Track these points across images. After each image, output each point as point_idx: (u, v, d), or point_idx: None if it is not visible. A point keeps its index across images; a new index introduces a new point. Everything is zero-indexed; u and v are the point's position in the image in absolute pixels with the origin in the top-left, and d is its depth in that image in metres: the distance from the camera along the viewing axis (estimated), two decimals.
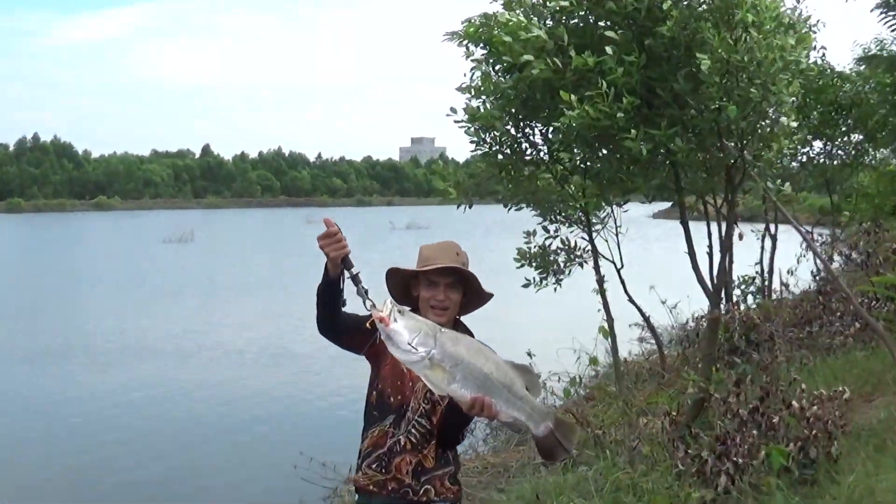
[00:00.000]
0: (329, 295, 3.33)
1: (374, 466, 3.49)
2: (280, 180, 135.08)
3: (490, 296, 3.62)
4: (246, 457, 9.59)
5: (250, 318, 19.57)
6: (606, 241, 8.71)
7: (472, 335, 3.52)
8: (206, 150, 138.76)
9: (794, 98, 6.04)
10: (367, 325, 3.16)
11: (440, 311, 3.49)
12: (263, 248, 41.41)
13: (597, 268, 8.32)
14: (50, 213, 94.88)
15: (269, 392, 12.55)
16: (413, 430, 3.47)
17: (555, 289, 8.51)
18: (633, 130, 5.79)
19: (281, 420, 11.15)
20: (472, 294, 3.60)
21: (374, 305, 3.12)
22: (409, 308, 3.21)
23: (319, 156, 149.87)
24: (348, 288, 3.33)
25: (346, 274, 3.31)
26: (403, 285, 3.64)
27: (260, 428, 10.75)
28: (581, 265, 8.57)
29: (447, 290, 3.51)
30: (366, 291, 3.25)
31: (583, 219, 8.46)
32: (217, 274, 29.08)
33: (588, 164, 7.29)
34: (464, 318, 3.67)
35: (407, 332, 3.04)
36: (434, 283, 3.51)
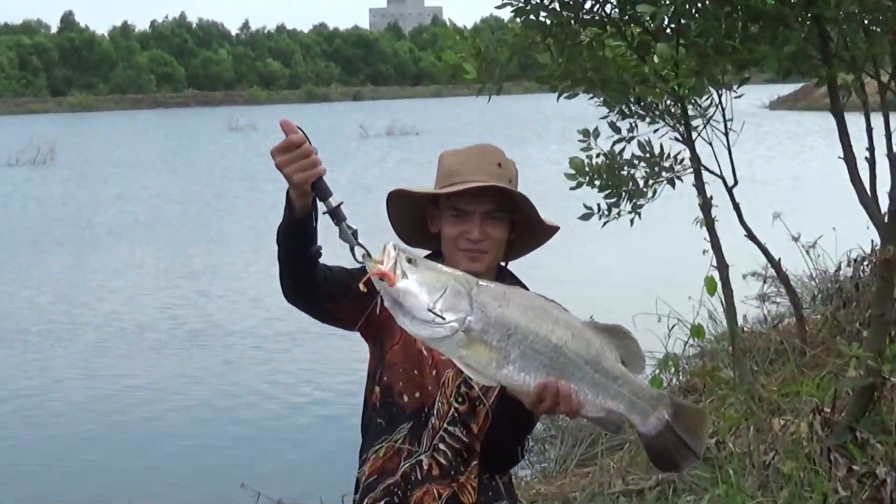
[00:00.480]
0: (296, 241, 3.37)
1: None
2: (185, 66, 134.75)
3: (553, 230, 3.64)
4: (154, 491, 9.67)
5: (152, 278, 19.75)
6: (710, 143, 8.68)
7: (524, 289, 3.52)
8: (67, 20, 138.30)
9: None
10: (360, 285, 3.19)
11: (476, 256, 3.52)
12: (163, 171, 41.51)
13: (700, 184, 8.29)
14: None
15: (189, 389, 12.68)
16: (441, 447, 3.51)
17: (631, 220, 8.50)
18: None
19: (211, 432, 11.26)
20: (523, 229, 3.62)
21: (367, 254, 3.14)
22: (424, 254, 3.25)
23: (246, 26, 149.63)
24: (326, 228, 3.34)
25: (321, 207, 3.32)
26: (414, 219, 3.67)
27: (177, 444, 10.85)
28: (672, 182, 8.53)
29: (486, 222, 3.52)
30: (354, 234, 3.28)
31: (674, 110, 8.41)
32: (95, 212, 29.24)
33: (683, 22, 7.21)
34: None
35: (424, 292, 3.07)
36: (465, 212, 3.52)
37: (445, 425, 3.50)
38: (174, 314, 16.50)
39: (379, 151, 44.95)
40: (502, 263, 3.66)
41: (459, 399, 3.49)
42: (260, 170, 36.98)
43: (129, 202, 31.33)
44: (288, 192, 3.30)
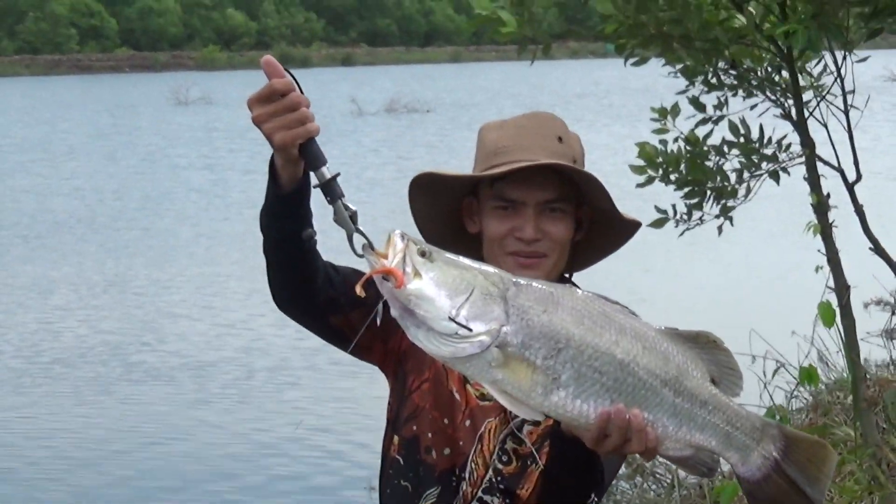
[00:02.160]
0: (283, 224, 3.36)
1: None
2: (118, 17, 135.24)
3: (633, 226, 3.65)
4: None
5: (79, 296, 19.86)
6: (826, 125, 8.68)
7: None
8: None
9: None
10: (358, 288, 3.11)
11: (530, 263, 3.51)
12: (90, 157, 41.64)
13: (814, 179, 8.27)
14: None
15: (133, 437, 12.95)
16: None
17: (719, 228, 8.48)
18: None
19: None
20: (593, 227, 3.63)
21: (369, 244, 3.11)
22: (432, 247, 3.14)
23: None
24: (323, 208, 3.33)
25: (314, 178, 3.31)
26: (447, 215, 3.69)
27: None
28: (775, 176, 8.52)
29: (543, 216, 3.52)
30: (353, 216, 3.25)
31: (780, 79, 8.40)
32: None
33: None
34: None
35: (444, 296, 3.03)
36: (515, 203, 3.52)
37: (480, 493, 3.50)
38: (108, 341, 16.68)
39: (377, 134, 45.02)
40: (566, 274, 3.66)
41: (504, 458, 3.48)
42: (220, 156, 37.13)
43: (46, 198, 31.43)
44: (272, 158, 3.29)
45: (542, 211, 3.49)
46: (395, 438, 3.56)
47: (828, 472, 3.31)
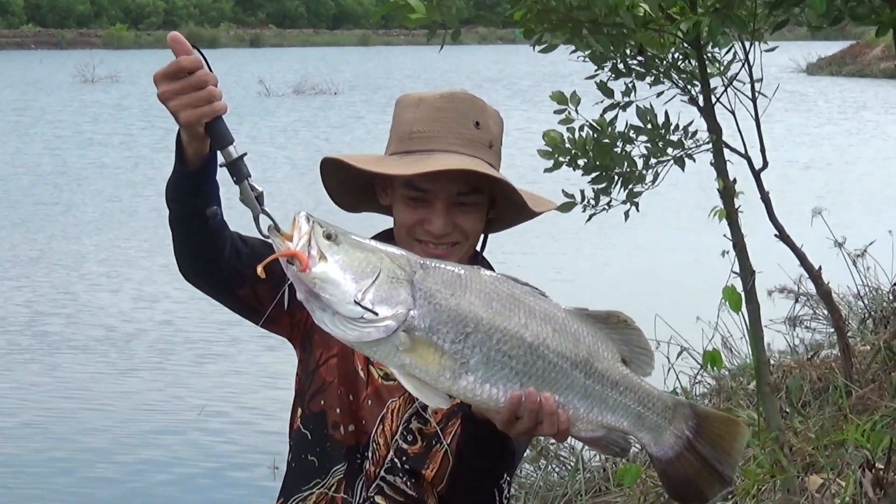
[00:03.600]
0: (189, 201, 3.32)
1: None
2: None
3: (546, 207, 3.62)
4: None
5: None
6: (733, 113, 8.73)
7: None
8: None
9: None
10: (259, 269, 3.08)
11: (437, 252, 3.48)
12: None
13: (720, 165, 8.31)
14: None
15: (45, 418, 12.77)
16: (378, 500, 3.50)
17: (626, 213, 8.50)
18: None
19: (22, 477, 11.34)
20: (504, 211, 3.65)
21: (274, 226, 3.09)
22: (337, 228, 3.12)
23: None
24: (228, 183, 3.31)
25: (220, 158, 3.28)
26: (359, 189, 3.65)
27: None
28: (681, 162, 8.57)
29: (454, 209, 3.50)
30: (259, 197, 3.25)
31: (686, 66, 8.46)
32: None
33: None
34: None
35: (349, 279, 3.01)
36: (425, 193, 3.49)
37: (383, 473, 3.48)
38: (22, 313, 16.68)
39: (285, 115, 44.75)
40: (476, 248, 3.65)
41: (409, 437, 3.47)
42: (129, 133, 36.91)
43: None
44: (179, 134, 3.25)
45: (453, 204, 3.48)
46: (300, 412, 3.54)
47: (739, 448, 3.33)
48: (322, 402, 3.50)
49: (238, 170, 3.23)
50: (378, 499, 3.47)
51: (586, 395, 3.12)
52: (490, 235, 3.73)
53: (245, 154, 3.27)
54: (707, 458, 3.21)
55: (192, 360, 14.47)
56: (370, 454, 3.48)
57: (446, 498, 3.47)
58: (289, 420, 3.61)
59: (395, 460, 3.47)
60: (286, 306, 3.40)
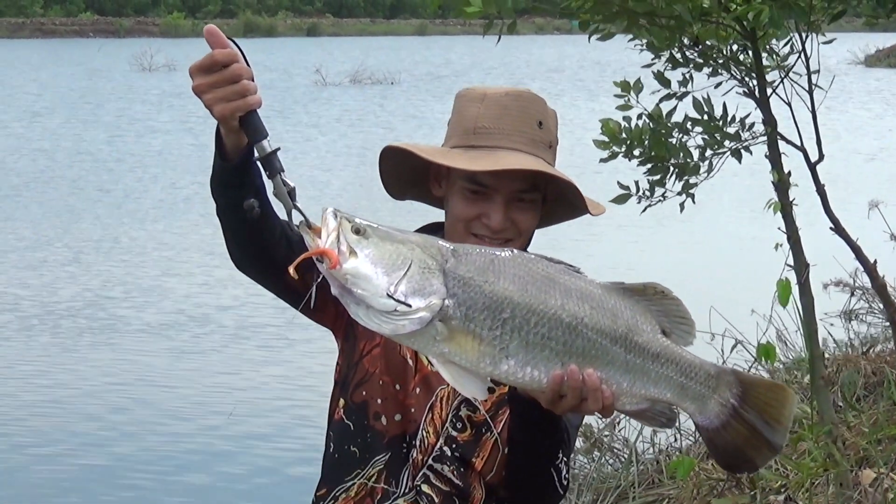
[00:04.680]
0: (233, 193, 3.33)
1: None
2: None
3: (597, 211, 3.64)
4: None
5: (30, 259, 19.77)
6: (790, 104, 8.70)
7: None
8: None
9: None
10: (291, 270, 3.10)
11: (494, 245, 3.45)
12: (50, 119, 41.35)
13: (776, 158, 8.29)
14: None
15: (63, 403, 12.83)
16: (425, 489, 3.50)
17: (681, 205, 8.47)
18: None
19: (88, 458, 11.39)
20: (558, 209, 3.69)
21: (306, 222, 3.10)
22: (368, 222, 3.12)
23: None
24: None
25: (255, 152, 3.28)
26: (418, 174, 3.65)
27: (43, 475, 10.95)
28: (737, 154, 8.54)
29: (512, 206, 3.51)
30: (291, 193, 3.24)
31: (743, 58, 8.42)
32: None
33: None
34: None
35: (381, 273, 3.02)
36: (486, 189, 3.50)
37: (430, 461, 3.49)
38: (59, 295, 16.79)
39: (341, 104, 44.83)
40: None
41: (458, 425, 3.48)
42: (184, 120, 37.10)
43: (19, 157, 31.34)
44: (218, 128, 3.27)
45: (513, 200, 3.49)
46: (342, 402, 3.55)
47: (788, 414, 3.30)
48: (364, 393, 3.51)
49: (271, 164, 3.23)
50: (424, 487, 3.47)
51: (628, 370, 3.11)
52: (538, 235, 3.72)
53: (278, 149, 3.27)
54: (755, 426, 3.20)
55: (258, 344, 14.51)
56: (418, 442, 3.49)
57: (499, 488, 3.46)
58: (328, 410, 3.62)
59: (445, 448, 3.48)
60: (311, 306, 3.43)
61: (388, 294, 2.97)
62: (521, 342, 3.03)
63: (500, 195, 3.47)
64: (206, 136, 34.67)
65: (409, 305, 2.97)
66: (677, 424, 3.16)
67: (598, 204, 3.62)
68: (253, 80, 3.21)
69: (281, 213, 3.40)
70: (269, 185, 3.31)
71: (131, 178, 28.18)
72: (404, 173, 3.63)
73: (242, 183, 3.29)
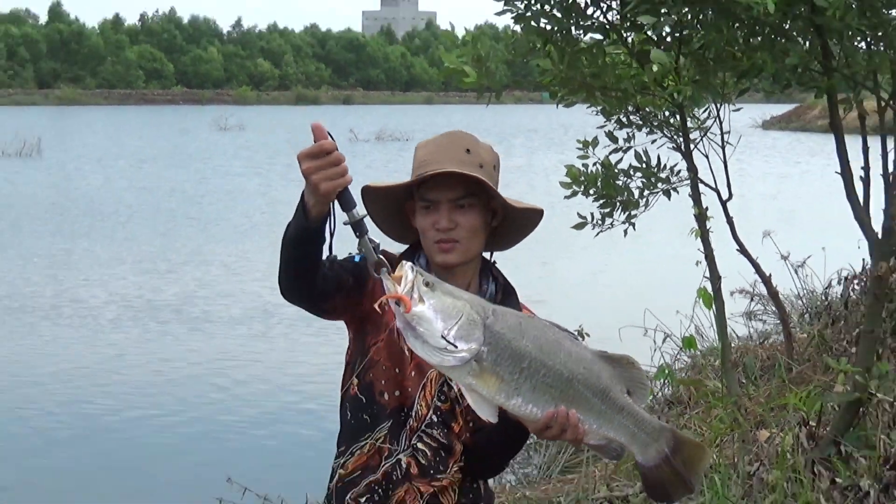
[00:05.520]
0: (306, 248, 3.29)
1: (362, 501, 3.53)
2: (175, 63, 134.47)
3: (535, 214, 3.60)
4: (137, 484, 9.63)
5: (137, 268, 19.79)
6: (707, 156, 8.74)
7: (514, 295, 3.55)
8: (55, 12, 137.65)
9: None
10: (376, 306, 3.16)
11: (447, 247, 3.47)
12: (151, 166, 41.51)
13: (696, 196, 8.31)
14: None
15: (166, 383, 12.68)
16: (420, 447, 3.51)
17: (624, 231, 8.48)
18: None
19: (191, 427, 11.22)
20: (504, 217, 3.57)
21: (388, 272, 3.12)
22: (435, 279, 3.15)
23: (238, 24, 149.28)
24: (340, 235, 3.30)
25: (339, 216, 3.26)
26: (395, 216, 3.61)
27: (158, 438, 10.80)
28: (667, 193, 8.56)
29: (454, 210, 3.47)
30: (376, 248, 3.25)
31: (672, 121, 8.43)
32: (81, 203, 29.21)
33: (685, 31, 7.22)
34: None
35: (439, 319, 3.05)
36: (433, 202, 3.48)
37: (423, 427, 3.49)
38: (154, 304, 16.57)
39: (368, 156, 44.81)
40: (486, 255, 3.61)
41: (442, 398, 3.48)
42: (252, 167, 37.19)
43: (112, 196, 31.10)
44: (303, 196, 3.19)
45: (454, 206, 3.45)
46: (356, 381, 3.52)
47: (703, 466, 3.45)
48: (371, 375, 3.49)
49: (360, 227, 3.25)
50: (419, 445, 3.47)
51: (599, 416, 3.18)
52: (513, 252, 3.71)
53: (365, 216, 3.30)
54: (679, 472, 3.28)
55: (314, 332, 14.23)
56: (413, 413, 3.48)
57: (477, 457, 3.53)
58: (341, 386, 3.60)
59: (433, 416, 3.48)
60: (361, 303, 3.45)
61: (442, 336, 3.01)
62: (531, 386, 3.10)
63: (443, 204, 3.44)
64: (266, 177, 34.85)
65: (456, 347, 3.02)
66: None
67: (527, 204, 3.60)
68: (346, 163, 3.19)
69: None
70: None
71: (212, 209, 28.29)
72: (388, 213, 3.60)
73: (317, 241, 3.26)
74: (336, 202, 3.23)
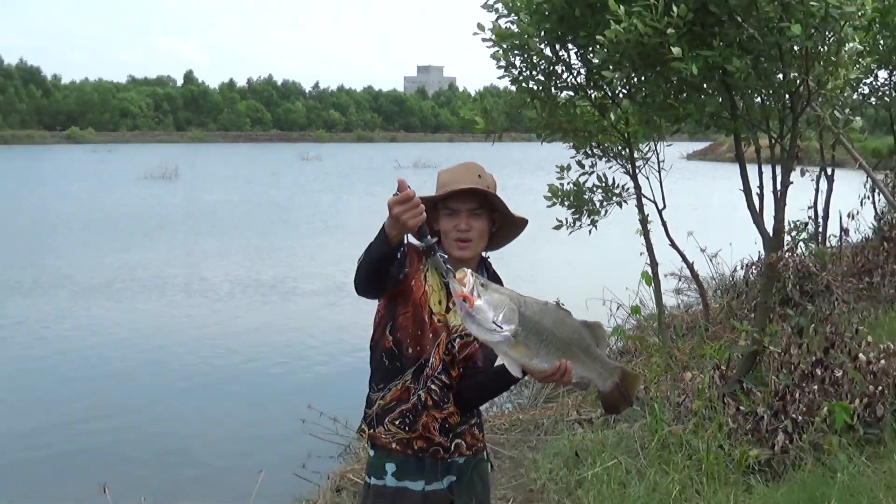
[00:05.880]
0: (385, 264, 3.29)
1: (397, 423, 3.52)
2: (272, 112, 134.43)
3: (523, 222, 3.60)
4: (245, 410, 9.64)
5: (246, 257, 19.76)
6: (648, 178, 8.71)
7: (500, 281, 3.54)
8: (189, 77, 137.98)
9: (861, 11, 5.87)
10: (450, 304, 3.25)
11: (463, 245, 3.48)
12: (255, 185, 41.56)
13: (640, 206, 8.31)
14: (17, 145, 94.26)
15: (266, 338, 12.63)
16: (433, 386, 3.50)
17: (589, 231, 8.48)
18: (682, 50, 5.72)
19: (283, 368, 11.20)
20: (502, 223, 3.58)
21: (454, 275, 3.13)
22: (486, 281, 3.18)
23: (316, 85, 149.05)
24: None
25: (421, 243, 3.31)
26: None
27: (260, 378, 10.80)
28: (620, 204, 8.55)
29: (470, 217, 3.48)
30: (444, 259, 3.29)
31: (624, 152, 8.40)
32: (206, 212, 29.29)
33: (632, 88, 7.21)
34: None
35: (491, 310, 3.08)
36: (454, 210, 3.49)
37: (435, 375, 3.49)
38: (258, 284, 16.47)
39: (408, 179, 44.37)
40: (484, 255, 3.61)
41: (447, 354, 3.49)
42: (327, 188, 37.15)
43: (229, 205, 31.21)
44: (383, 227, 3.19)
45: (470, 214, 3.48)
46: (389, 337, 3.50)
47: (638, 388, 3.72)
48: (400, 335, 3.48)
49: (433, 249, 3.29)
50: (432, 386, 3.48)
51: (582, 365, 3.23)
52: (502, 250, 3.69)
53: (437, 240, 3.36)
54: (623, 393, 3.35)
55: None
56: (430, 364, 3.48)
57: (469, 396, 3.54)
58: (373, 338, 3.58)
59: (441, 366, 3.49)
60: (400, 283, 3.44)
61: (493, 321, 3.06)
62: (546, 351, 3.14)
63: (462, 212, 3.47)
64: (336, 194, 34.71)
65: (501, 328, 3.07)
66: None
67: (523, 217, 3.60)
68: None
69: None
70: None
71: (298, 216, 28.18)
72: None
73: (392, 259, 3.27)
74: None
